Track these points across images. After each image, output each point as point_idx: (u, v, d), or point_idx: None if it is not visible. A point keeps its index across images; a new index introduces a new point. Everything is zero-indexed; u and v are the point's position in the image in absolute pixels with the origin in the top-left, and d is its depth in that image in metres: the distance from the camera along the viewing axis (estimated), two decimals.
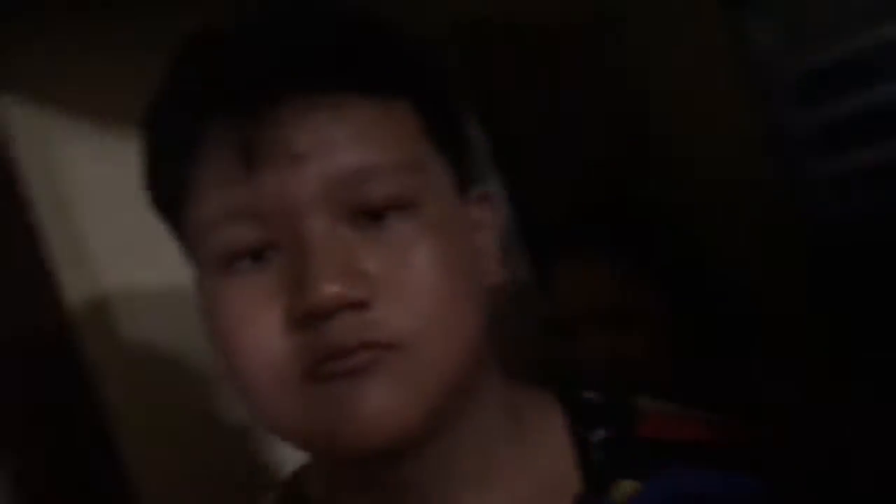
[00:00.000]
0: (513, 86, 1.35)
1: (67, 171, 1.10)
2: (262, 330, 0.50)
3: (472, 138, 0.63)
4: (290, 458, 0.63)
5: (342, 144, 0.50)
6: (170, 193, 0.54)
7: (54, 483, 0.93)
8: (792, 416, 0.95)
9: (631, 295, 1.09)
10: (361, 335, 0.49)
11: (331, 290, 0.48)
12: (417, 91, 0.55)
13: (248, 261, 0.51)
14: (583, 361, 1.09)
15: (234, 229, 0.51)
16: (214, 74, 0.51)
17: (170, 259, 0.60)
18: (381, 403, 0.49)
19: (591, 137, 1.35)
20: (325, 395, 0.49)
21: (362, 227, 0.51)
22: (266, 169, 0.49)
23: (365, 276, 0.50)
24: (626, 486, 0.56)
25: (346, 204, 0.50)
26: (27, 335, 0.95)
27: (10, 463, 0.89)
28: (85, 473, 0.96)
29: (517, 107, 1.34)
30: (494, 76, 1.33)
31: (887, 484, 0.65)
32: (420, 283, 0.51)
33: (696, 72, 1.26)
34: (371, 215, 0.51)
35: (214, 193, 0.51)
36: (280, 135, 0.49)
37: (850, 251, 1.14)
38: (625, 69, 1.34)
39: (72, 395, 0.98)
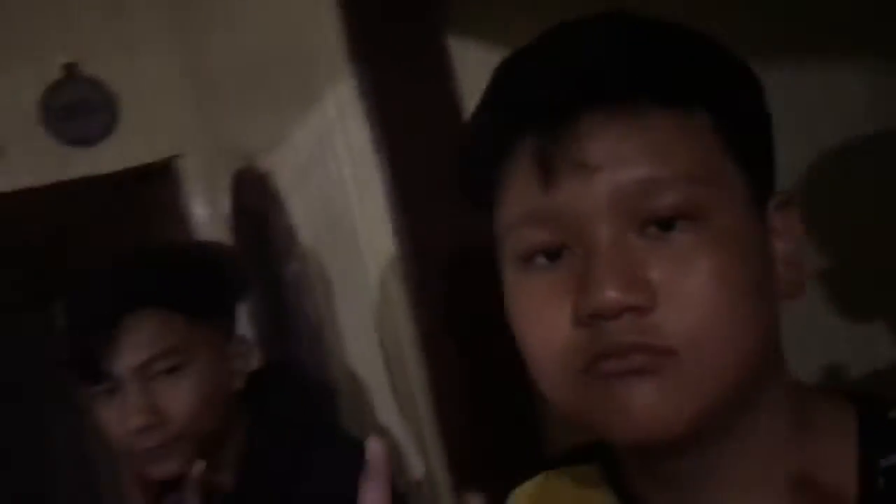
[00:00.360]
0: None
1: None
2: (552, 323, 0.54)
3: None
4: None
5: (633, 157, 0.52)
6: (481, 193, 0.59)
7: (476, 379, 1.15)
8: None
9: None
10: (638, 338, 0.51)
11: (610, 295, 0.51)
12: (716, 103, 0.54)
13: (544, 259, 0.55)
14: None
15: (532, 231, 0.55)
16: (521, 91, 0.56)
17: None
18: (650, 404, 0.52)
19: None
20: (601, 390, 0.53)
21: (650, 235, 0.52)
22: (561, 179, 0.53)
23: (646, 283, 0.51)
24: None
25: (634, 213, 0.52)
26: (459, 252, 1.16)
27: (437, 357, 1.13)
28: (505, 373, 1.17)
29: None
30: None
31: None
32: (700, 293, 0.51)
33: None
34: (660, 224, 0.52)
35: (517, 198, 0.55)
36: (574, 148, 0.52)
37: None
38: None
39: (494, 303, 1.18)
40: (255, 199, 1.60)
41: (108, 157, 1.98)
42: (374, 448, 0.60)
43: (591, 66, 0.54)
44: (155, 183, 2.05)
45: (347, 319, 1.39)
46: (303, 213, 1.44)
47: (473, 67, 1.20)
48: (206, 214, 2.01)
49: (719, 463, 0.57)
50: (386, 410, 1.31)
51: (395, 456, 1.31)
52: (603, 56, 0.54)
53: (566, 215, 0.53)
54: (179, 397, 1.15)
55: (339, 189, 1.25)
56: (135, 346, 1.14)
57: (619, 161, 0.52)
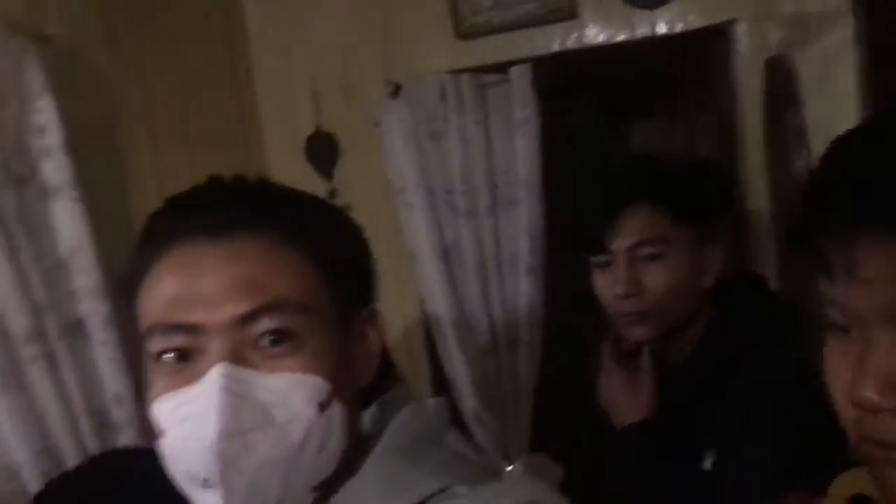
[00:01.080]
0: None
1: None
2: (840, 388, 0.62)
3: None
4: None
5: None
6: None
7: None
8: None
9: None
10: (892, 437, 0.57)
11: (868, 395, 0.58)
12: None
13: (839, 331, 0.62)
14: None
15: (831, 311, 0.62)
16: (814, 199, 0.62)
17: None
18: None
19: None
20: (870, 458, 0.61)
21: None
22: (840, 284, 0.60)
23: None
24: None
25: None
26: None
27: None
28: None
29: None
30: None
31: None
32: None
33: None
34: None
35: (822, 284, 0.62)
36: (853, 260, 0.58)
37: None
38: None
39: None
40: (779, 89, 1.65)
41: (667, 20, 2.15)
42: None
43: (870, 188, 0.57)
44: (709, 47, 2.16)
45: None
46: (811, 123, 1.47)
47: None
48: (752, 84, 2.07)
49: None
50: None
51: None
52: (883, 182, 0.57)
53: (848, 308, 0.60)
54: (656, 278, 1.39)
55: (827, 119, 1.27)
56: (629, 231, 1.40)
57: (891, 278, 0.56)
